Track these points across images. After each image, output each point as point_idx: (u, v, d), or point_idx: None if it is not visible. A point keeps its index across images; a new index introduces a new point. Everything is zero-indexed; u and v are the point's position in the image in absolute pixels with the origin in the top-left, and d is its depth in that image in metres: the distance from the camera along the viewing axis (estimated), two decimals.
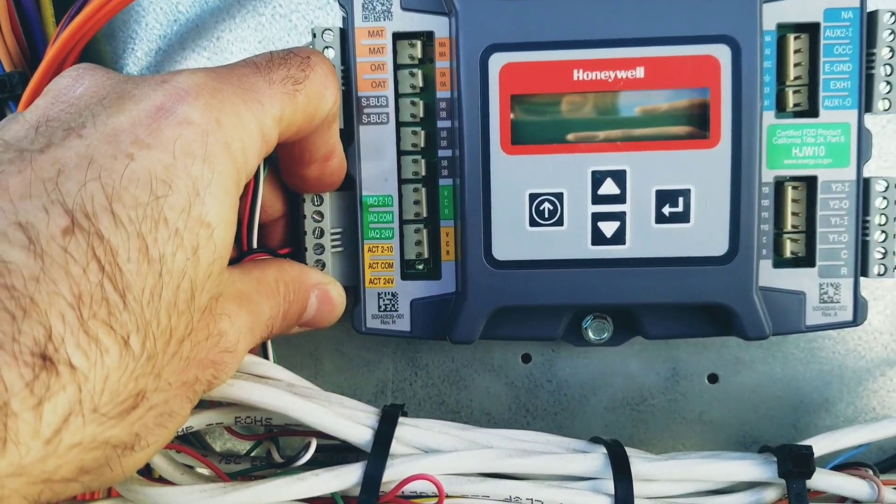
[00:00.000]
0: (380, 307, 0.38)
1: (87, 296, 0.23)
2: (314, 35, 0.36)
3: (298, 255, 0.37)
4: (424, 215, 0.37)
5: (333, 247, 0.37)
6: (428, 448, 0.32)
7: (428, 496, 0.32)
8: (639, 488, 0.32)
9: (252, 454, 0.37)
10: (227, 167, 0.27)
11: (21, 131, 0.26)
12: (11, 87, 0.36)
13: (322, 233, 0.37)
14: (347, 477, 0.31)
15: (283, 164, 0.36)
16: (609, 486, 0.32)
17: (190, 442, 0.40)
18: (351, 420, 0.32)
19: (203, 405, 0.34)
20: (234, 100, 0.28)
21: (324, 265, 0.37)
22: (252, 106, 0.28)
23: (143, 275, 0.24)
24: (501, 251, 0.36)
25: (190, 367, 0.27)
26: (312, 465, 0.33)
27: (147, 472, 0.33)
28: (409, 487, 0.31)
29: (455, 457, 0.31)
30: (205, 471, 0.35)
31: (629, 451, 0.34)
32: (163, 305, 0.25)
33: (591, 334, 0.38)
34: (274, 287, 0.32)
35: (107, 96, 0.27)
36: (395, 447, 0.32)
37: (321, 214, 0.37)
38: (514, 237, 0.36)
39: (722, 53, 0.34)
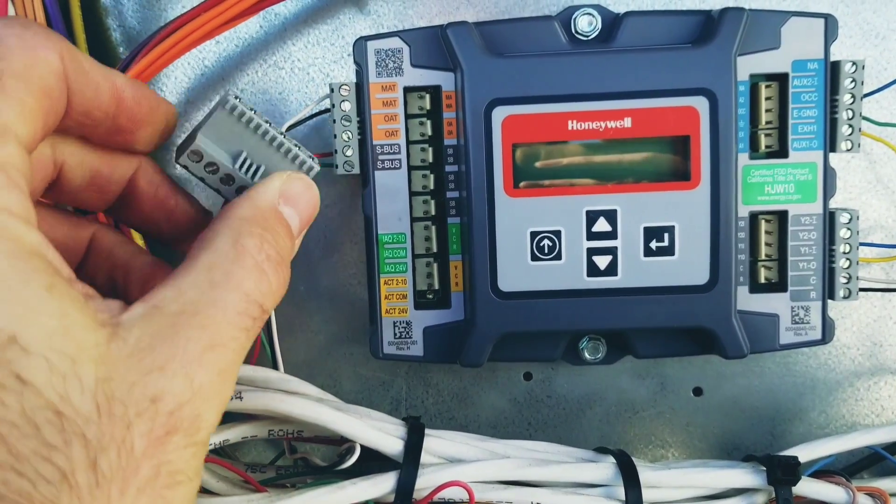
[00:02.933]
0: (395, 335, 0.42)
1: None
2: (332, 90, 0.40)
3: None
4: (435, 250, 0.41)
5: (252, 175, 0.32)
6: (452, 458, 0.36)
7: (456, 503, 0.35)
8: (645, 494, 0.36)
9: (276, 464, 0.41)
10: None
11: None
12: None
13: (231, 179, 0.32)
14: (383, 485, 0.34)
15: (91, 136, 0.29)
16: (619, 492, 0.36)
17: (222, 454, 0.44)
18: (383, 432, 0.35)
19: (238, 418, 0.37)
20: None
21: None
22: None
23: None
24: (506, 283, 0.40)
25: None
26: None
27: None
28: (438, 495, 0.35)
29: (480, 466, 0.35)
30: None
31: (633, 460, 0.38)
32: None
33: (586, 355, 0.42)
34: (239, 254, 0.26)
35: None
36: (423, 457, 0.35)
37: (198, 156, 0.31)
38: (517, 270, 0.39)
39: (700, 104, 0.38)
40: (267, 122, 0.32)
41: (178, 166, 0.32)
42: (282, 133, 0.32)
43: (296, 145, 0.32)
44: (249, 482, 0.35)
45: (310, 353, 0.46)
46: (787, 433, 0.45)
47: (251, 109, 0.32)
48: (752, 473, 0.37)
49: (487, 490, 0.35)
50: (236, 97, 0.31)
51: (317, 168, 0.33)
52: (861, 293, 0.41)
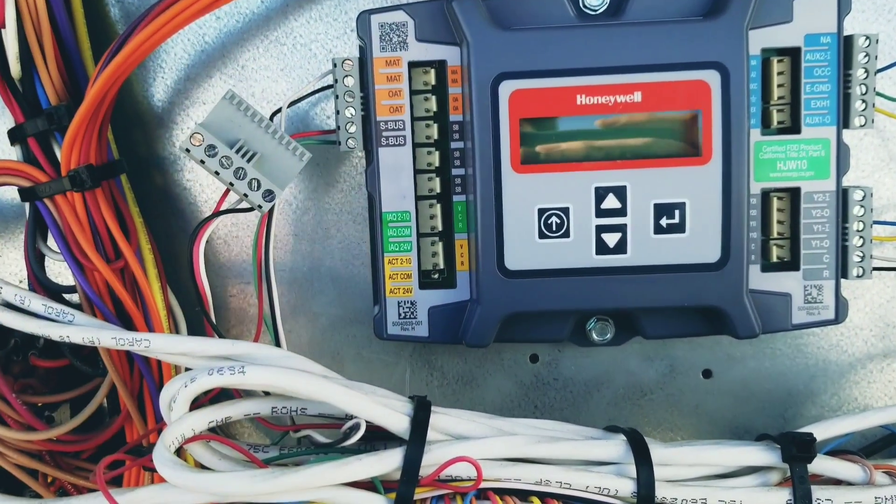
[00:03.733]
0: (400, 315, 0.41)
1: None
2: (335, 65, 0.39)
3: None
4: (440, 229, 0.40)
5: (249, 160, 0.37)
6: (459, 435, 0.35)
7: (463, 480, 0.34)
8: (657, 472, 0.35)
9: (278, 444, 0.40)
10: None
11: None
12: (58, 119, 0.38)
13: (229, 161, 0.37)
14: (389, 461, 0.33)
15: None
16: (631, 469, 0.36)
17: (224, 434, 0.43)
18: (389, 408, 0.34)
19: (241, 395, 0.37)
20: None
21: (258, 183, 0.37)
22: None
23: None
24: (513, 261, 0.39)
25: None
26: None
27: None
28: (445, 472, 0.34)
29: (487, 443, 0.34)
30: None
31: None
32: None
33: (594, 335, 0.41)
34: None
35: None
36: (430, 434, 0.34)
37: (199, 139, 0.37)
38: (524, 248, 0.39)
39: (712, 78, 0.37)
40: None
41: (181, 151, 0.36)
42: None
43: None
44: (252, 460, 0.34)
45: (313, 336, 0.45)
46: (798, 416, 0.45)
47: None
48: (766, 451, 0.36)
49: (495, 467, 0.34)
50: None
51: (308, 155, 0.38)
52: (874, 272, 0.40)
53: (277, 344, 0.40)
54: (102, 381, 0.42)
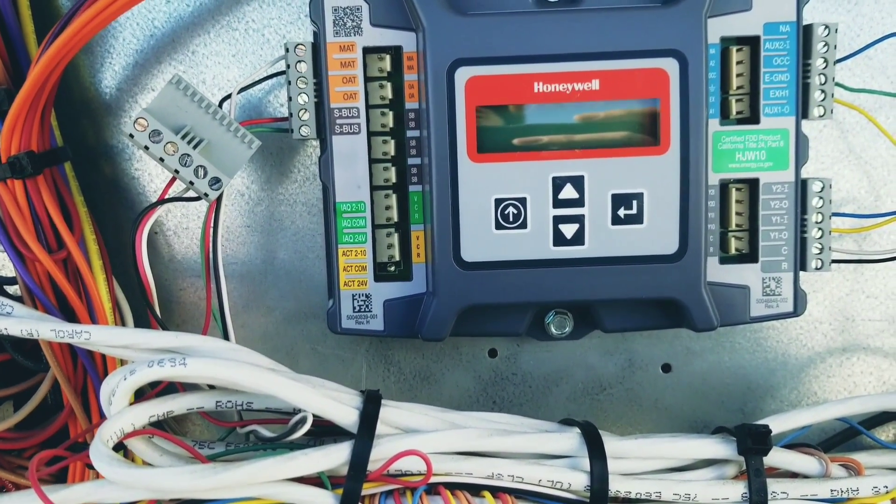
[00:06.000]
0: (354, 308, 0.40)
1: None
2: (287, 50, 0.38)
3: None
4: (396, 220, 0.39)
5: (195, 146, 0.36)
6: (410, 429, 0.34)
7: (413, 474, 0.33)
8: (611, 465, 0.35)
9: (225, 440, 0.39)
10: None
11: None
12: None
13: (174, 148, 0.36)
14: (336, 456, 0.32)
15: None
16: (584, 463, 0.35)
17: (166, 428, 0.41)
18: (337, 401, 0.33)
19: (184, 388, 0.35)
20: None
21: (205, 171, 0.36)
22: None
23: None
24: (469, 253, 0.38)
25: None
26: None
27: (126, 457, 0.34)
28: (394, 467, 0.33)
29: (439, 436, 0.34)
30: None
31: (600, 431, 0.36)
32: None
33: (553, 329, 0.40)
34: None
35: None
36: (380, 428, 0.33)
37: (143, 124, 0.36)
38: (481, 240, 0.38)
39: (671, 66, 0.37)
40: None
41: (125, 136, 0.35)
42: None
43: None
44: (195, 456, 0.33)
45: (266, 330, 0.44)
46: (757, 410, 0.44)
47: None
48: (721, 444, 0.36)
49: (446, 461, 0.33)
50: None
51: (258, 143, 0.37)
52: (833, 265, 0.40)
53: (226, 337, 0.39)
54: (45, 377, 0.41)
